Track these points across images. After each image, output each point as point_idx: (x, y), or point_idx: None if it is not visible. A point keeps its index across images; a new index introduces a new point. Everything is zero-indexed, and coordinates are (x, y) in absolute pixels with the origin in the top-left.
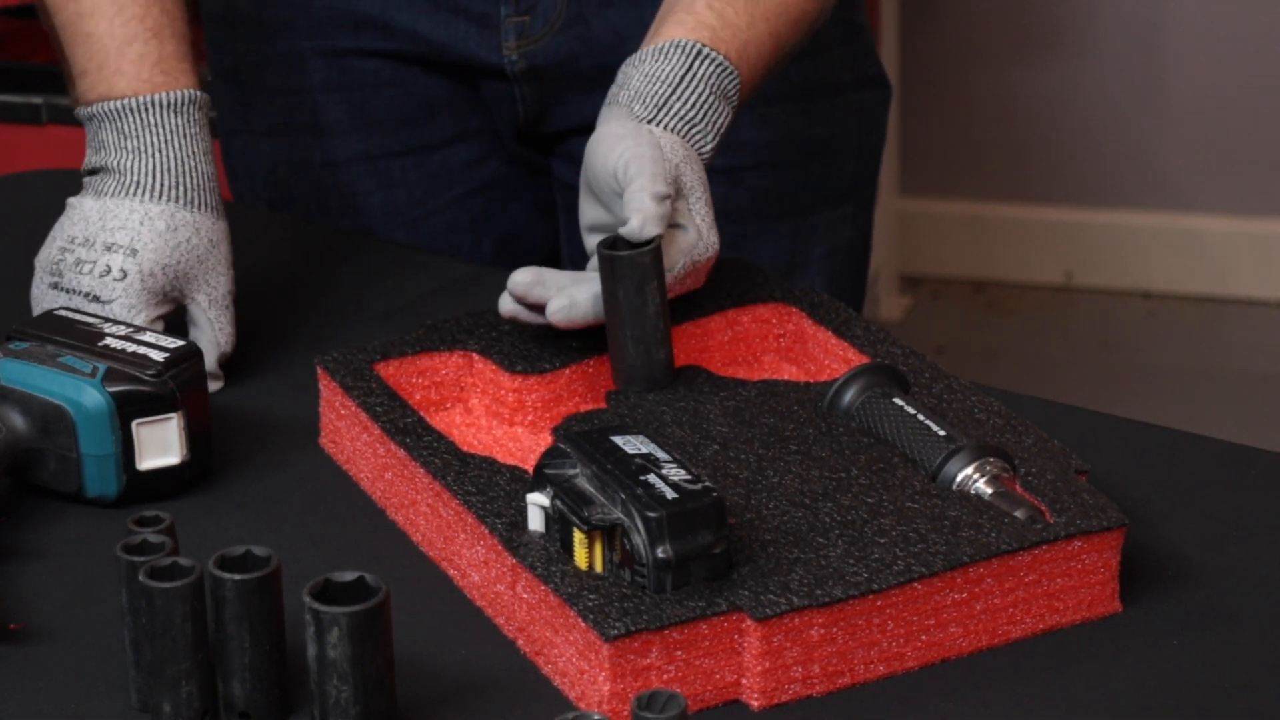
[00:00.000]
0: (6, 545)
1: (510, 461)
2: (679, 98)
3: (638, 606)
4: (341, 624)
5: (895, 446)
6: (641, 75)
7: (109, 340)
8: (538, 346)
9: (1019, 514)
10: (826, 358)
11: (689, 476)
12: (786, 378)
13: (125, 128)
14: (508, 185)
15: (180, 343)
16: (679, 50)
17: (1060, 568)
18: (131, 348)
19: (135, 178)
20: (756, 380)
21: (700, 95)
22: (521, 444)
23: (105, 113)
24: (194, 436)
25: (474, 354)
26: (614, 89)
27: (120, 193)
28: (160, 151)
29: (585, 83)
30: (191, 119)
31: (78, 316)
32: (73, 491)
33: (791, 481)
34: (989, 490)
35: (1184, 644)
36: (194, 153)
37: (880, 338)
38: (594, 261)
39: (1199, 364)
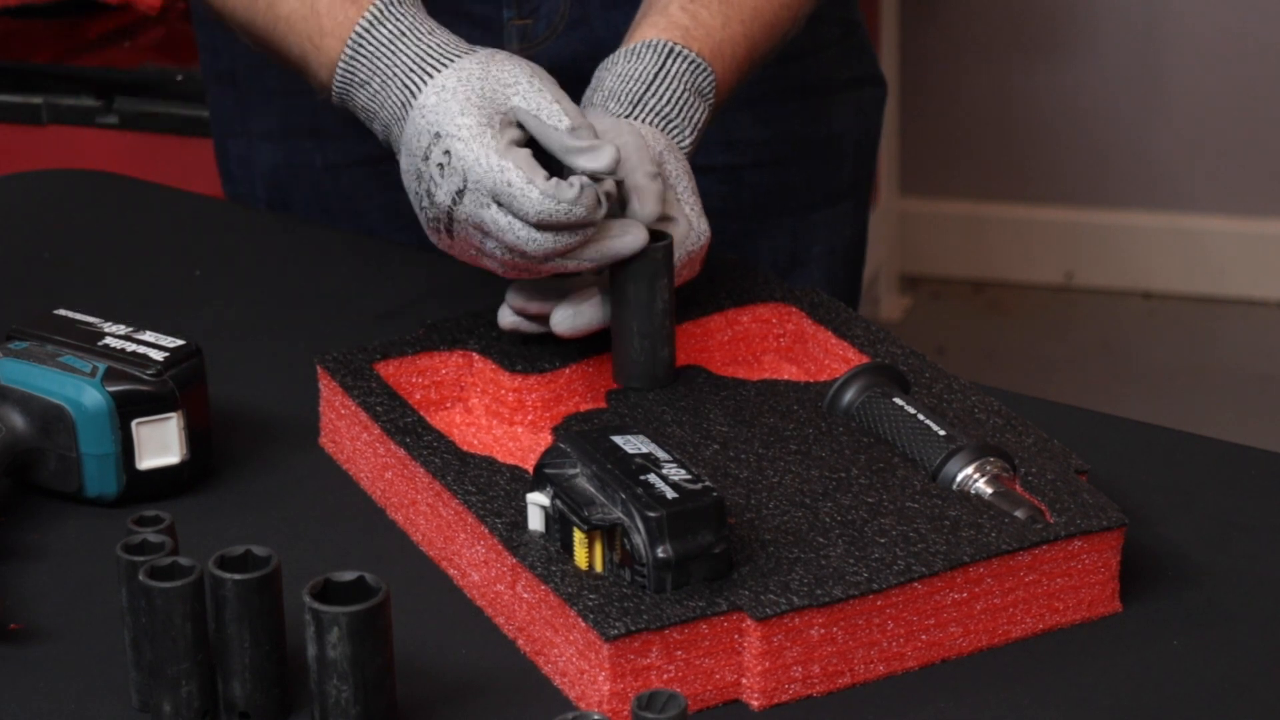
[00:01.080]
0: (6, 545)
1: (510, 461)
2: (654, 94)
3: (638, 606)
4: (341, 624)
5: (895, 446)
6: (614, 75)
7: (109, 340)
8: (538, 346)
9: (1019, 514)
10: (826, 358)
11: (689, 476)
12: (786, 378)
13: (360, 73)
14: None
15: (180, 342)
16: (651, 50)
17: (1060, 568)
18: (131, 347)
19: (397, 91)
20: (756, 380)
21: (675, 91)
22: (521, 444)
23: (347, 80)
24: (194, 436)
25: (474, 354)
26: (588, 92)
27: (405, 109)
28: (395, 50)
29: (588, 85)
30: (403, 10)
31: (78, 316)
32: (73, 491)
33: (791, 481)
34: (989, 490)
35: (1184, 644)
36: (432, 28)
37: (880, 338)
38: None
39: (1199, 364)
